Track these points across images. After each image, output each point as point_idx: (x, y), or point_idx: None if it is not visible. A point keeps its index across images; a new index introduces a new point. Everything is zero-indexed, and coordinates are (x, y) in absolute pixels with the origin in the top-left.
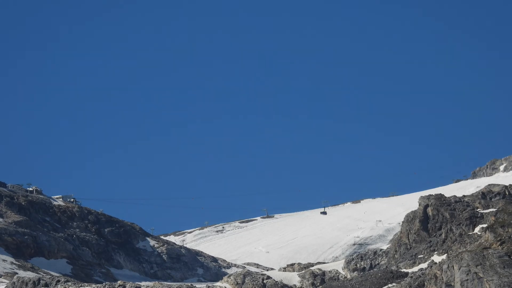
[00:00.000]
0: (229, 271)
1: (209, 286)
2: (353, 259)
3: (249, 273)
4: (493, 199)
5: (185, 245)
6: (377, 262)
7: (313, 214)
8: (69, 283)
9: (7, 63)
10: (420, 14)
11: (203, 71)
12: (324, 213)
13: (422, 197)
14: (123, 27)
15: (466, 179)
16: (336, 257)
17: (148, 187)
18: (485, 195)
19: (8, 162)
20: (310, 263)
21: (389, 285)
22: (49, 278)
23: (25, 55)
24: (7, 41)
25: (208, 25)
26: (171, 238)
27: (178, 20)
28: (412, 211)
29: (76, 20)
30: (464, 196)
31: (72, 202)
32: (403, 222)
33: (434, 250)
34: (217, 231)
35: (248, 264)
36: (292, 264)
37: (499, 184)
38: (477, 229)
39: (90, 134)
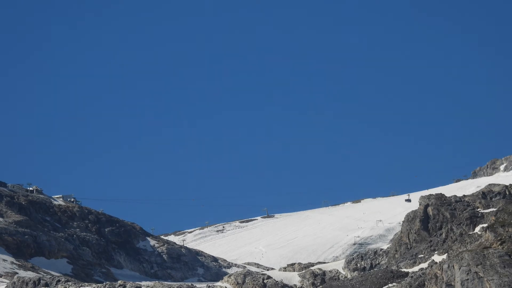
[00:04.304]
0: (229, 271)
1: (209, 286)
2: (353, 258)
3: (249, 273)
4: (493, 199)
5: (185, 245)
6: (377, 262)
7: (313, 214)
8: (70, 283)
9: (7, 63)
10: (424, 15)
11: (204, 69)
12: (409, 200)
13: (422, 197)
14: (120, 28)
15: (467, 178)
16: (337, 257)
17: (149, 187)
18: (486, 194)
19: (8, 162)
20: (310, 263)
21: (390, 285)
22: (50, 278)
23: (25, 55)
24: (7, 41)
25: (202, 24)
26: (172, 238)
27: (172, 20)
28: (412, 211)
29: (76, 20)
30: (464, 195)
31: (73, 201)
32: (403, 221)
33: (434, 250)
34: (217, 231)
35: (249, 264)
36: (293, 264)
37: (500, 184)
38: (477, 229)
39: (90, 134)
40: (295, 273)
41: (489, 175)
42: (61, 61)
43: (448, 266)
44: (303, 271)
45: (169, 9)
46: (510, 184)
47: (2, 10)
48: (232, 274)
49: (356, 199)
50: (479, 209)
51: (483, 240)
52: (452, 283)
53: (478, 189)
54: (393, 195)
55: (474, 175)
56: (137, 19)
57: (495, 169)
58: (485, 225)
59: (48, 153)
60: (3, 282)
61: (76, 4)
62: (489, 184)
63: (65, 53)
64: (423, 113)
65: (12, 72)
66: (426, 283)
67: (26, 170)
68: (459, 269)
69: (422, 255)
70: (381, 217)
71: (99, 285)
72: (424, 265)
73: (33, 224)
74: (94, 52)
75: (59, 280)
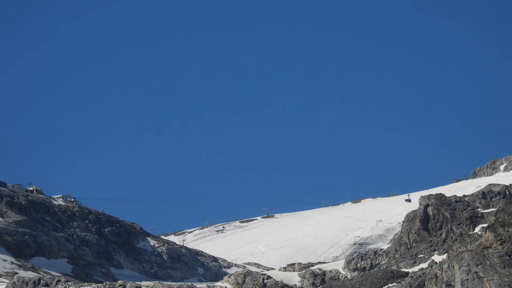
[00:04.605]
0: (229, 271)
1: (209, 286)
2: (353, 258)
3: (249, 273)
4: (493, 199)
5: (185, 245)
6: (377, 262)
7: (313, 214)
8: (70, 283)
9: (7, 63)
10: (424, 15)
11: (204, 68)
12: (409, 200)
13: (422, 197)
14: (120, 28)
15: (467, 178)
16: (337, 256)
17: (149, 187)
18: (486, 194)
19: (8, 162)
20: (310, 263)
21: (390, 285)
22: (50, 278)
23: (24, 55)
24: (5, 41)
25: (202, 24)
26: (172, 238)
27: (170, 19)
28: (412, 211)
29: (75, 20)
30: (464, 195)
31: (73, 201)
32: (403, 221)
33: (434, 250)
34: (217, 231)
35: (249, 264)
36: (293, 264)
37: (500, 184)
38: (477, 229)
39: (90, 134)
40: (295, 273)
41: (489, 175)
42: (60, 61)
43: (448, 266)
44: (303, 271)
45: (169, 9)
46: (510, 184)
47: (2, 10)
48: (232, 274)
49: (356, 199)
50: (479, 209)
51: (483, 240)
52: (452, 283)
53: (478, 189)
54: (393, 195)
55: (474, 175)
56: (137, 19)
57: (495, 169)
58: (485, 225)
59: (48, 153)
60: (3, 282)
61: (75, 4)
62: (489, 184)
63: (64, 53)
64: (423, 113)
65: (11, 72)
66: (426, 283)
67: (26, 170)
68: (459, 269)
69: (422, 255)
70: (381, 217)
71: (99, 285)
72: (424, 265)
73: (33, 224)
74: (93, 52)
75: (59, 280)
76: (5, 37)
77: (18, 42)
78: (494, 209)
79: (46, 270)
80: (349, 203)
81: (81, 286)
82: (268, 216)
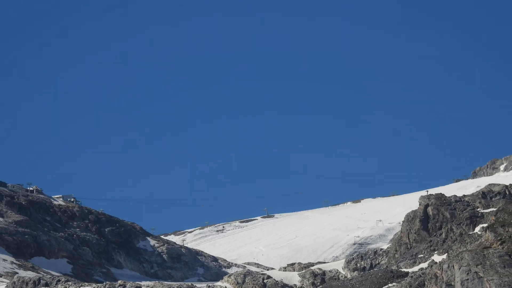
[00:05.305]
0: (229, 270)
1: (209, 286)
2: (353, 258)
3: (249, 272)
4: (493, 199)
5: (185, 245)
6: (377, 262)
7: (313, 214)
8: (70, 283)
9: (9, 63)
10: (424, 14)
11: (202, 73)
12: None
13: (422, 197)
14: (124, 30)
15: (467, 178)
16: (336, 256)
17: (148, 187)
18: (486, 194)
19: (9, 162)
20: (310, 262)
21: (390, 284)
22: (50, 277)
23: (26, 55)
24: (9, 41)
25: (205, 27)
26: (172, 238)
27: (171, 24)
28: (412, 211)
29: (81, 21)
30: (464, 195)
31: (73, 201)
32: (403, 221)
33: (434, 250)
34: (217, 231)
35: (249, 263)
36: (293, 264)
37: (500, 184)
38: (477, 229)
39: (91, 134)
40: (295, 273)
41: (489, 175)
42: (62, 62)
43: (448, 266)
44: (303, 271)
45: (169, 14)
46: (510, 184)
47: (7, 11)
48: (232, 274)
49: (356, 199)
50: (479, 209)
51: (483, 240)
52: (452, 283)
53: (478, 189)
54: (393, 195)
55: (474, 175)
56: (140, 23)
57: (495, 169)
58: (485, 225)
59: (49, 153)
60: (3, 282)
61: (83, 4)
62: (489, 184)
63: (66, 53)
64: (423, 113)
65: (12, 72)
66: (426, 283)
67: (26, 170)
68: (459, 269)
69: (422, 255)
70: (381, 217)
71: (99, 285)
72: (424, 265)
73: (33, 224)
74: (95, 54)
75: (59, 280)
76: (8, 38)
77: (20, 42)
78: (494, 209)
79: (46, 270)
80: (349, 203)
81: (81, 286)
82: (268, 216)
